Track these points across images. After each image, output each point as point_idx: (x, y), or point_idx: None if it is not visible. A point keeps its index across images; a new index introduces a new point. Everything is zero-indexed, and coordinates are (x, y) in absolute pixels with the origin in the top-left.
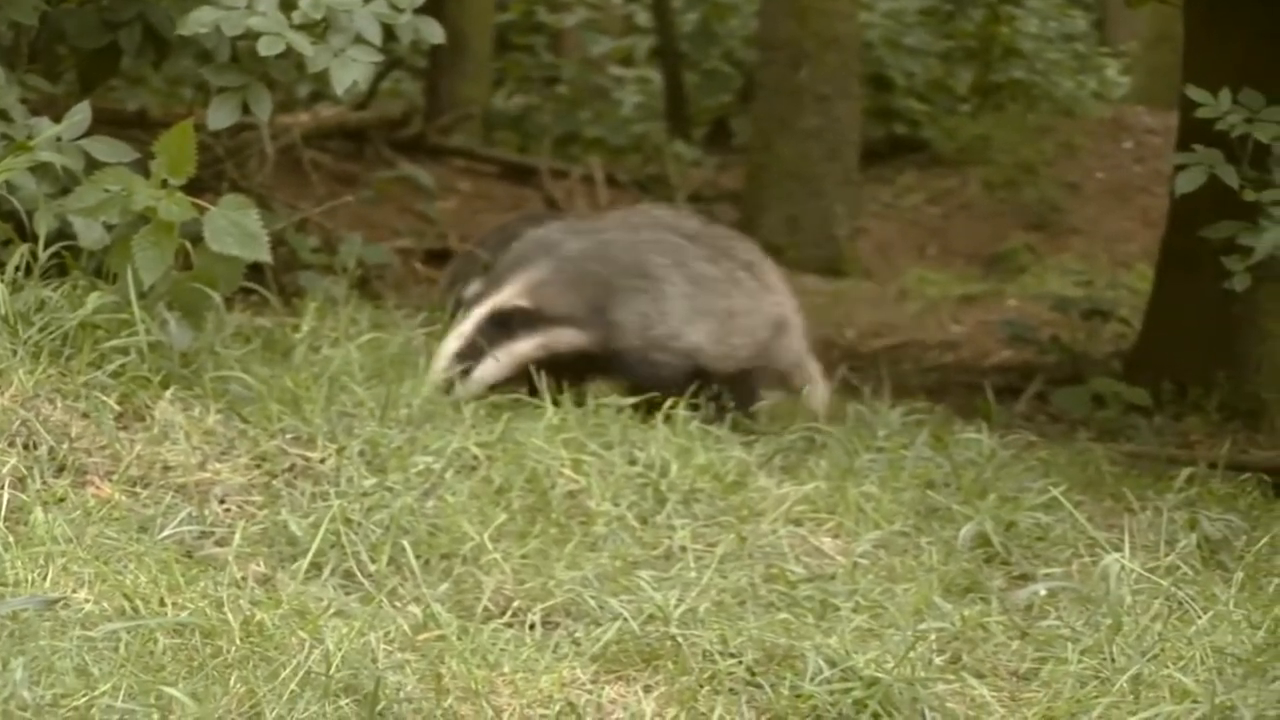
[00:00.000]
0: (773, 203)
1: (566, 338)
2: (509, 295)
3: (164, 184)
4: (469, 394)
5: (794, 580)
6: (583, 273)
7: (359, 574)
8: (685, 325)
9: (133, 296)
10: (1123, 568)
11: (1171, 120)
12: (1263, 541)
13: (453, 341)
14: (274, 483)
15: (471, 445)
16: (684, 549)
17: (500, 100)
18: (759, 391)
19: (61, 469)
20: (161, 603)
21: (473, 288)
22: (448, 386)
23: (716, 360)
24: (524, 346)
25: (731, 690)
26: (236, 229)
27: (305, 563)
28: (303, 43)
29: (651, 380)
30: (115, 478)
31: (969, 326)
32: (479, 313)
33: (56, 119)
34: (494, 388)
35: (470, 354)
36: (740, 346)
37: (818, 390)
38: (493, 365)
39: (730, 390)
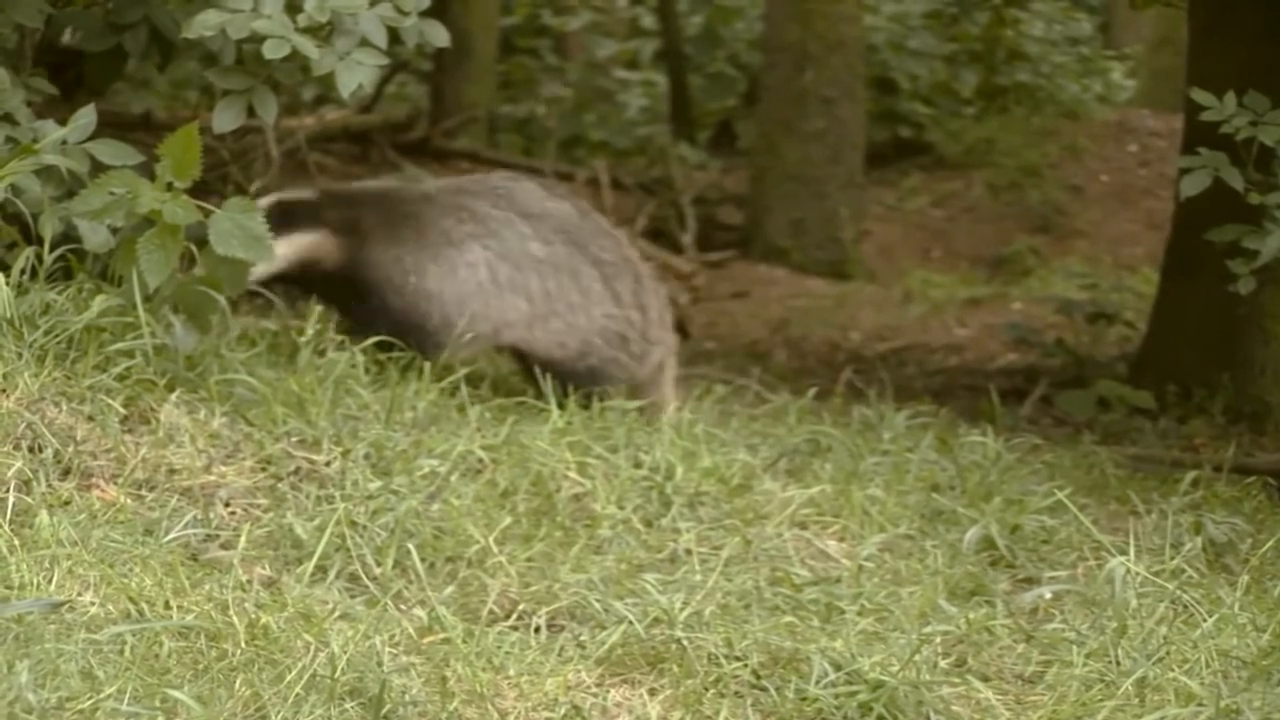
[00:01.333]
0: (777, 205)
1: (327, 247)
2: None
3: (169, 187)
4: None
5: (799, 583)
6: (379, 201)
7: (364, 577)
8: (443, 285)
9: (138, 299)
10: (1128, 571)
11: (1176, 123)
12: (1268, 545)
13: None
14: (279, 486)
15: (477, 448)
16: (689, 552)
17: (516, 108)
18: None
19: (67, 472)
20: (167, 606)
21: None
22: None
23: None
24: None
25: (737, 693)
26: (241, 232)
27: (310, 566)
28: (308, 46)
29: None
30: (120, 481)
31: (973, 329)
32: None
33: (62, 122)
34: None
35: None
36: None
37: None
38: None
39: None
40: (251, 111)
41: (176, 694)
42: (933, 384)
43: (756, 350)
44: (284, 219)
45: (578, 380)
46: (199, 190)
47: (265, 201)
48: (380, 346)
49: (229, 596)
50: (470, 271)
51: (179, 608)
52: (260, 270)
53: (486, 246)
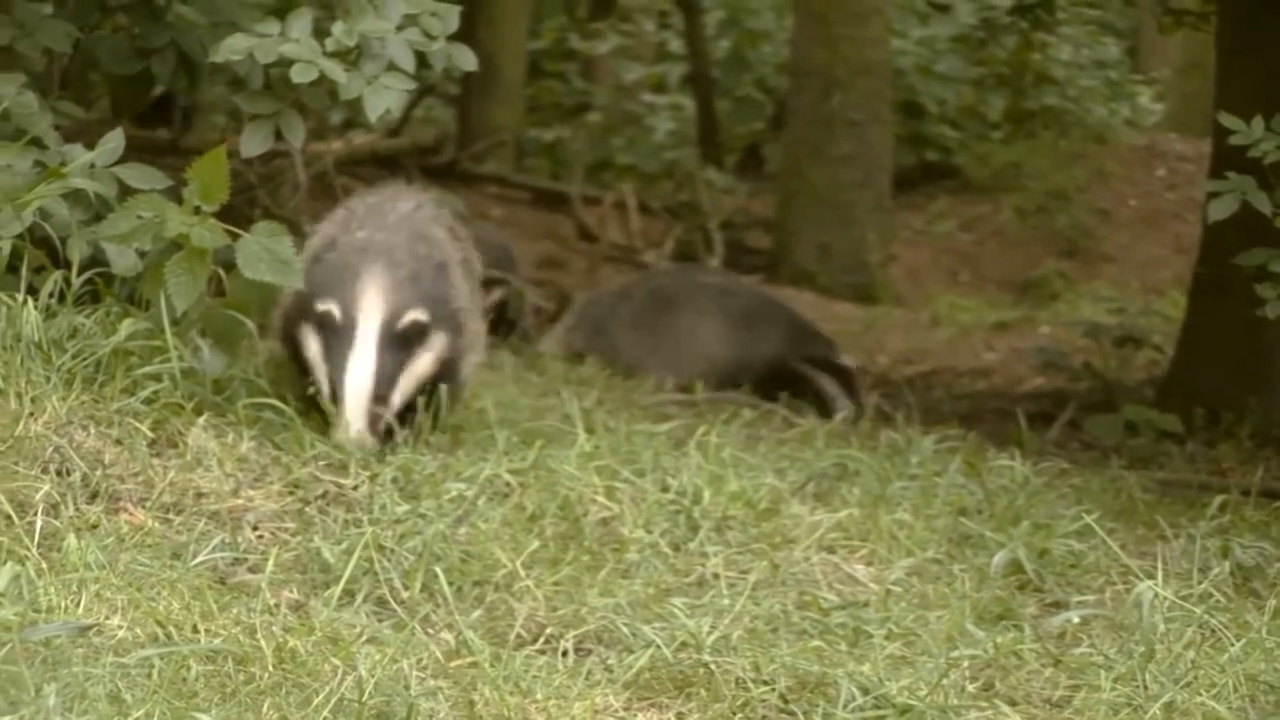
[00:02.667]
0: (804, 229)
1: (441, 344)
2: (398, 309)
3: (197, 210)
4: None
5: (827, 607)
6: (420, 268)
7: (392, 601)
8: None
9: (166, 323)
10: (1156, 595)
11: (1204, 147)
12: None
13: (360, 375)
14: (307, 509)
15: (504, 472)
16: (717, 576)
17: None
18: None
19: (94, 495)
20: (194, 629)
21: (329, 307)
22: (372, 427)
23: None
24: (423, 363)
25: (764, 718)
26: (269, 255)
27: (338, 589)
28: (336, 70)
29: (462, 387)
30: (148, 504)
31: (1001, 353)
32: (371, 334)
33: (90, 146)
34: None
35: (383, 383)
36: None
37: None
38: (402, 390)
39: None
40: (279, 135)
41: (204, 718)
42: (960, 408)
43: None
44: None
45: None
46: (226, 214)
47: None
48: None
49: (257, 620)
50: None
51: (207, 631)
52: None
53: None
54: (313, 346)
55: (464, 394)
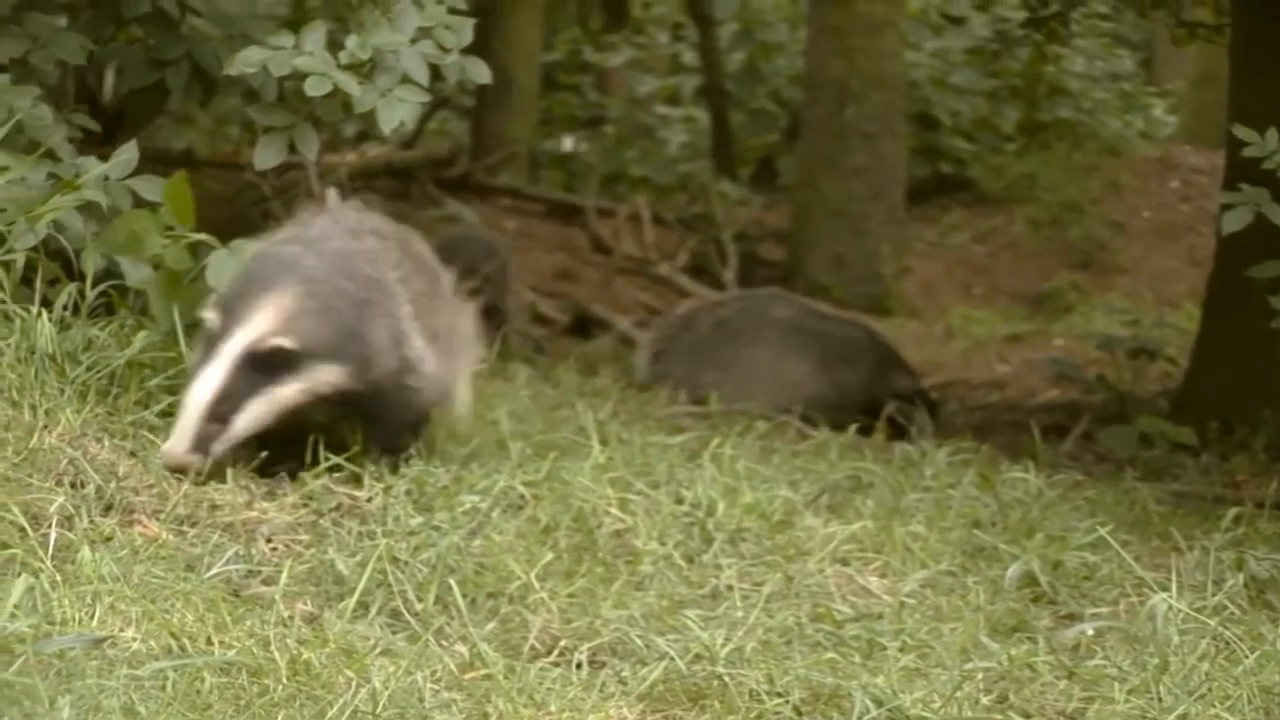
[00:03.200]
0: (818, 241)
1: (327, 376)
2: (268, 332)
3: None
4: (224, 450)
5: (840, 619)
6: (333, 293)
7: (406, 613)
8: (425, 348)
9: (180, 335)
10: (1170, 607)
11: (1218, 159)
12: None
13: (203, 390)
14: (321, 522)
15: (518, 484)
16: (730, 588)
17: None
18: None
19: (109, 508)
20: (208, 641)
21: (210, 316)
22: (198, 445)
23: (439, 391)
24: (287, 391)
25: None
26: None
27: (352, 601)
28: (349, 82)
29: (406, 414)
30: (162, 516)
31: (1015, 365)
32: (230, 353)
33: (104, 158)
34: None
35: (226, 403)
36: (457, 372)
37: None
38: (251, 415)
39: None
40: (293, 148)
41: None
42: (974, 420)
43: None
44: None
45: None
46: (240, 225)
47: None
48: None
49: (271, 632)
50: None
51: (221, 643)
52: None
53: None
54: (195, 352)
55: (422, 427)
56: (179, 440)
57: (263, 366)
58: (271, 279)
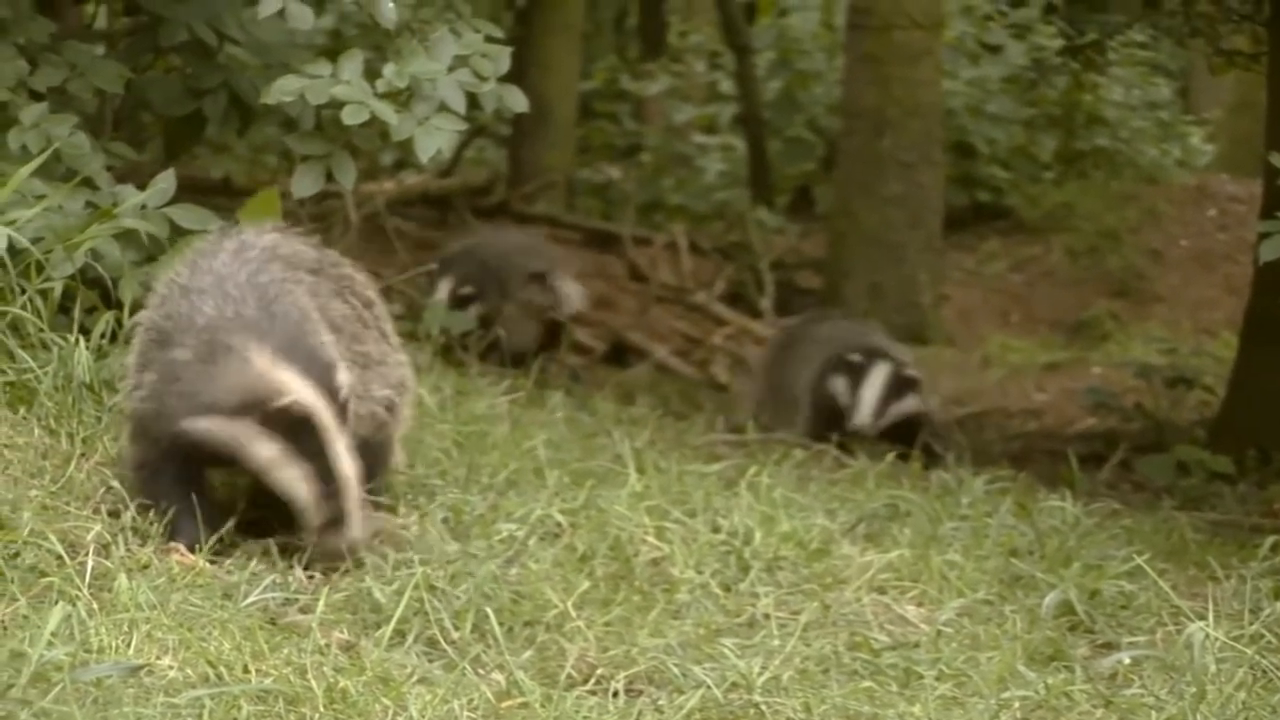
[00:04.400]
0: (855, 270)
1: None
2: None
3: None
4: None
5: (878, 648)
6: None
7: (442, 641)
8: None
9: None
10: (1207, 636)
11: (1255, 188)
12: None
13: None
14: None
15: (555, 512)
16: (767, 616)
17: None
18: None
19: (145, 536)
20: (245, 669)
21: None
22: None
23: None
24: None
25: None
26: None
27: (389, 630)
28: (387, 111)
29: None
30: (199, 545)
31: (1052, 394)
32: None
33: (141, 186)
34: None
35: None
36: (380, 401)
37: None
38: None
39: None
40: (330, 176)
41: None
42: (1011, 448)
43: None
44: None
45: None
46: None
47: None
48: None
49: (307, 660)
50: None
51: (257, 671)
52: None
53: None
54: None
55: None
56: (359, 527)
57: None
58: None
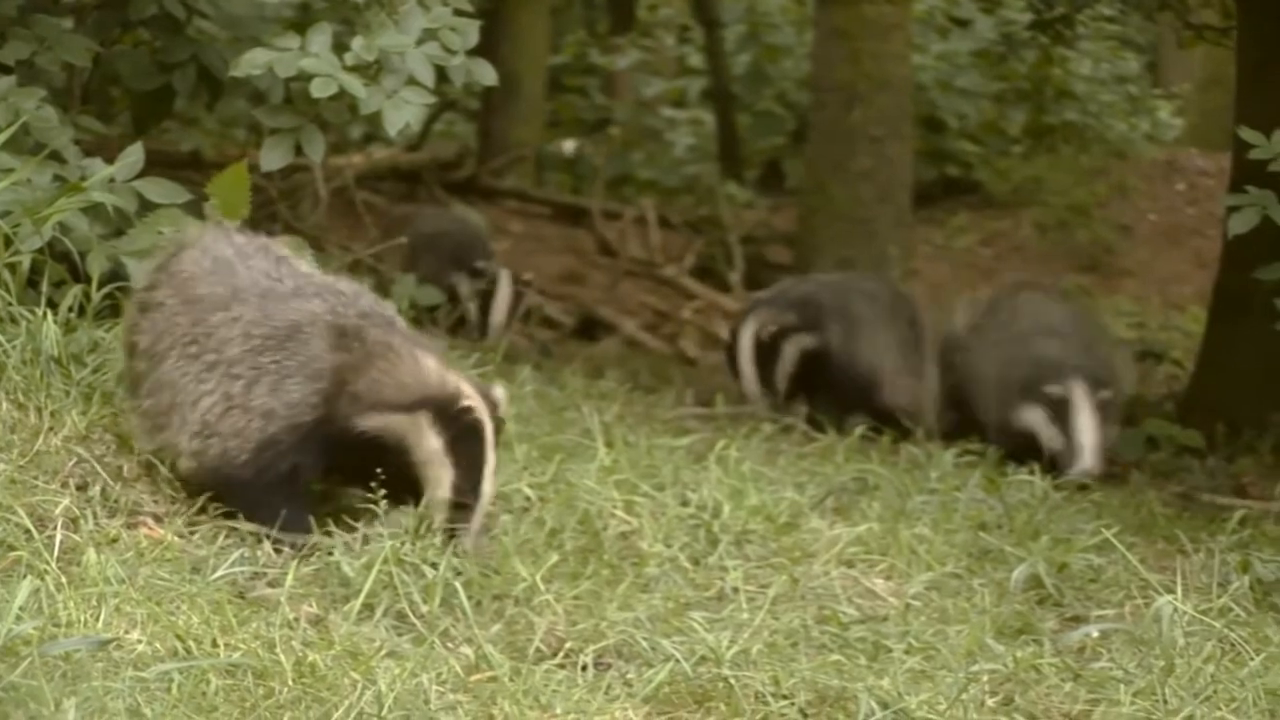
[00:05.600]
0: (825, 244)
1: None
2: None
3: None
4: None
5: (846, 622)
6: None
7: (411, 615)
8: None
9: None
10: (1175, 610)
11: (1224, 162)
12: None
13: None
14: (326, 523)
15: (524, 486)
16: (736, 590)
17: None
18: None
19: (114, 510)
20: (214, 643)
21: None
22: None
23: None
24: None
25: None
26: None
27: (357, 604)
28: (355, 85)
29: None
30: (168, 519)
31: None
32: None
33: (110, 160)
34: None
35: None
36: None
37: None
38: None
39: None
40: (299, 150)
41: None
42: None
43: None
44: None
45: None
46: (248, 228)
47: None
48: None
49: (276, 634)
50: None
51: (226, 645)
52: None
53: None
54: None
55: None
56: (472, 541)
57: None
58: None
